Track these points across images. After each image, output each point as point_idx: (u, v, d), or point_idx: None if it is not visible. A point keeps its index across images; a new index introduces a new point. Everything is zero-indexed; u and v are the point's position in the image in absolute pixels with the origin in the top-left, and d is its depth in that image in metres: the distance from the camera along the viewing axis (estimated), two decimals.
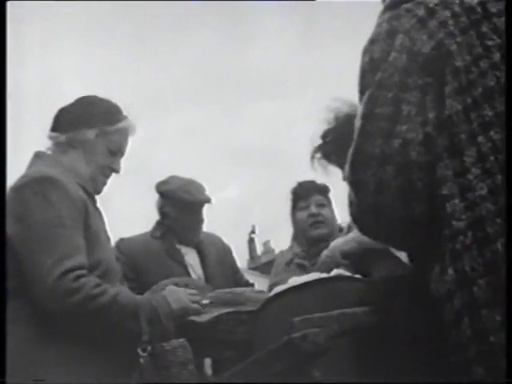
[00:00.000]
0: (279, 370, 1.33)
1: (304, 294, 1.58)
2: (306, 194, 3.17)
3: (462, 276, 1.09)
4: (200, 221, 3.14)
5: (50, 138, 2.19)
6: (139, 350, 1.94)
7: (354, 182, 1.22)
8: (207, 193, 3.16)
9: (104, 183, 2.23)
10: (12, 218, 1.97)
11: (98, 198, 2.21)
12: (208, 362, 2.29)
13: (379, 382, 1.25)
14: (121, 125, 2.24)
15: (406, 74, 1.19)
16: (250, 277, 3.57)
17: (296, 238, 3.23)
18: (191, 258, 3.09)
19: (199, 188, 3.14)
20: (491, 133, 1.11)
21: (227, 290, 2.26)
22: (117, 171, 2.24)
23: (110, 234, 2.62)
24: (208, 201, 3.14)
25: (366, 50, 1.27)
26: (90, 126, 2.20)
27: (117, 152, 2.24)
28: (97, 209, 2.16)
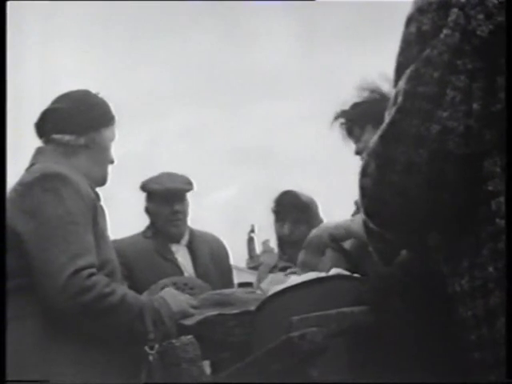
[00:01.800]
0: (278, 370, 1.33)
1: (302, 293, 1.59)
2: (284, 210, 3.20)
3: (501, 274, 1.07)
4: (176, 212, 3.09)
5: (61, 140, 2.18)
6: (146, 348, 1.94)
7: (380, 154, 1.15)
8: (193, 185, 3.13)
9: (108, 175, 2.28)
10: (22, 214, 1.98)
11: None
12: (207, 361, 2.29)
13: (377, 381, 1.25)
14: (116, 119, 2.29)
15: (457, 54, 1.11)
16: (249, 276, 3.58)
17: (278, 245, 3.29)
18: (182, 256, 3.09)
19: (175, 178, 3.10)
20: None
21: (217, 291, 2.26)
22: (113, 162, 2.29)
23: (109, 234, 2.64)
24: (181, 190, 3.09)
25: (413, 19, 1.17)
26: (106, 126, 2.24)
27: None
28: (102, 208, 2.17)
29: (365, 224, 1.29)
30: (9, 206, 1.97)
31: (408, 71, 1.14)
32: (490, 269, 1.08)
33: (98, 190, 2.21)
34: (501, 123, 1.09)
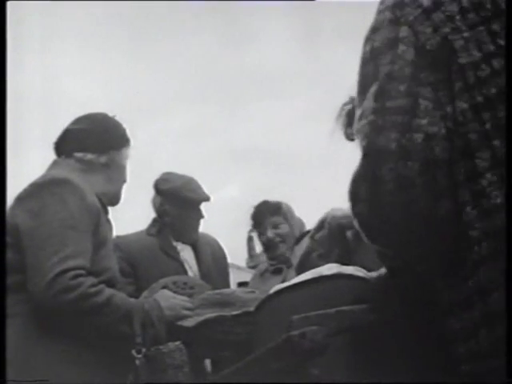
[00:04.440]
0: (278, 368, 1.34)
1: (302, 292, 1.59)
2: (260, 219, 3.32)
3: (480, 287, 1.06)
4: (200, 218, 3.17)
5: (83, 158, 2.25)
6: (134, 352, 1.96)
7: (368, 176, 1.12)
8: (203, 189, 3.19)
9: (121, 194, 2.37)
10: (27, 212, 2.03)
11: None
12: (207, 360, 2.30)
13: (378, 379, 1.25)
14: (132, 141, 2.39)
15: (417, 68, 1.13)
16: (248, 275, 3.60)
17: (266, 252, 3.38)
18: (187, 254, 3.10)
19: (199, 185, 3.16)
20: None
21: (217, 291, 2.27)
22: (126, 181, 2.38)
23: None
24: (208, 198, 3.17)
25: (368, 39, 1.21)
26: (125, 146, 2.35)
27: None
28: (108, 220, 2.22)
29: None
30: (16, 204, 2.06)
31: (372, 90, 1.15)
32: (470, 282, 1.07)
33: None
34: (460, 129, 1.09)
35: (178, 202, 3.11)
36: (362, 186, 1.14)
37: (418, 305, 1.23)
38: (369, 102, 1.15)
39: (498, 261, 1.03)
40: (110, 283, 2.06)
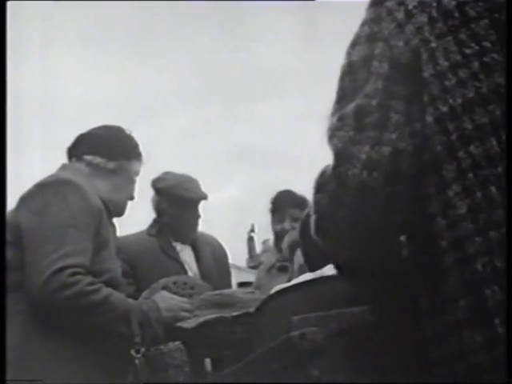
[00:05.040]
0: (278, 369, 1.34)
1: (303, 292, 1.59)
2: (281, 207, 3.25)
3: (446, 296, 1.07)
4: (198, 217, 3.15)
5: (92, 161, 2.28)
6: (132, 352, 1.96)
7: (335, 174, 1.14)
8: (203, 189, 3.18)
9: (126, 207, 2.37)
10: (29, 212, 2.05)
11: None
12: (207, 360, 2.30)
13: (378, 381, 1.25)
14: (143, 158, 2.41)
15: (390, 82, 1.15)
16: (249, 275, 3.59)
17: (276, 244, 3.29)
18: (187, 254, 3.10)
19: (197, 184, 3.15)
20: (471, 147, 1.06)
21: (217, 291, 2.26)
22: (133, 199, 2.40)
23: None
24: (206, 197, 3.15)
25: (347, 53, 1.23)
26: (136, 159, 2.36)
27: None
28: (111, 223, 2.22)
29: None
30: (20, 203, 2.08)
31: (351, 107, 1.16)
32: (439, 291, 1.08)
33: None
34: (428, 141, 1.10)
35: (174, 200, 3.10)
36: (329, 179, 1.16)
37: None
38: (349, 119, 1.17)
39: (462, 270, 1.05)
40: (111, 284, 2.06)
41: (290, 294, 1.62)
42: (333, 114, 1.21)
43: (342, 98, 1.20)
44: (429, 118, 1.11)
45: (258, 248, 16.59)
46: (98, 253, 2.06)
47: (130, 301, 2.10)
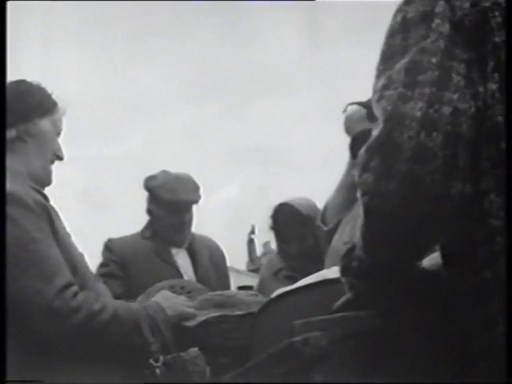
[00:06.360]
0: (279, 374, 1.31)
1: (305, 296, 1.57)
2: (285, 228, 3.06)
3: (498, 280, 1.02)
4: (184, 222, 3.01)
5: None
6: (151, 361, 1.87)
7: (383, 144, 1.06)
8: (200, 191, 3.03)
9: (52, 172, 2.07)
10: None
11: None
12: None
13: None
14: (61, 107, 2.08)
15: (451, 43, 1.08)
16: (249, 279, 3.56)
17: (280, 252, 3.18)
18: (182, 258, 3.03)
19: (187, 186, 2.99)
20: None
21: (218, 292, 2.23)
22: (62, 158, 2.09)
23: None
24: (193, 201, 3.00)
25: (400, 10, 1.15)
26: (43, 114, 2.03)
27: (58, 137, 2.08)
28: (53, 208, 1.98)
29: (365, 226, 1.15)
30: None
31: (403, 62, 1.10)
32: (488, 273, 1.03)
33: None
34: (487, 111, 1.05)
35: (158, 201, 2.98)
36: (376, 154, 1.08)
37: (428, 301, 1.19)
38: (399, 75, 1.10)
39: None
40: (85, 277, 1.91)
41: (292, 297, 1.60)
42: (378, 76, 1.14)
43: (390, 57, 1.13)
44: (493, 86, 1.06)
45: (259, 251, 16.54)
46: (63, 252, 1.87)
47: (135, 308, 1.97)
